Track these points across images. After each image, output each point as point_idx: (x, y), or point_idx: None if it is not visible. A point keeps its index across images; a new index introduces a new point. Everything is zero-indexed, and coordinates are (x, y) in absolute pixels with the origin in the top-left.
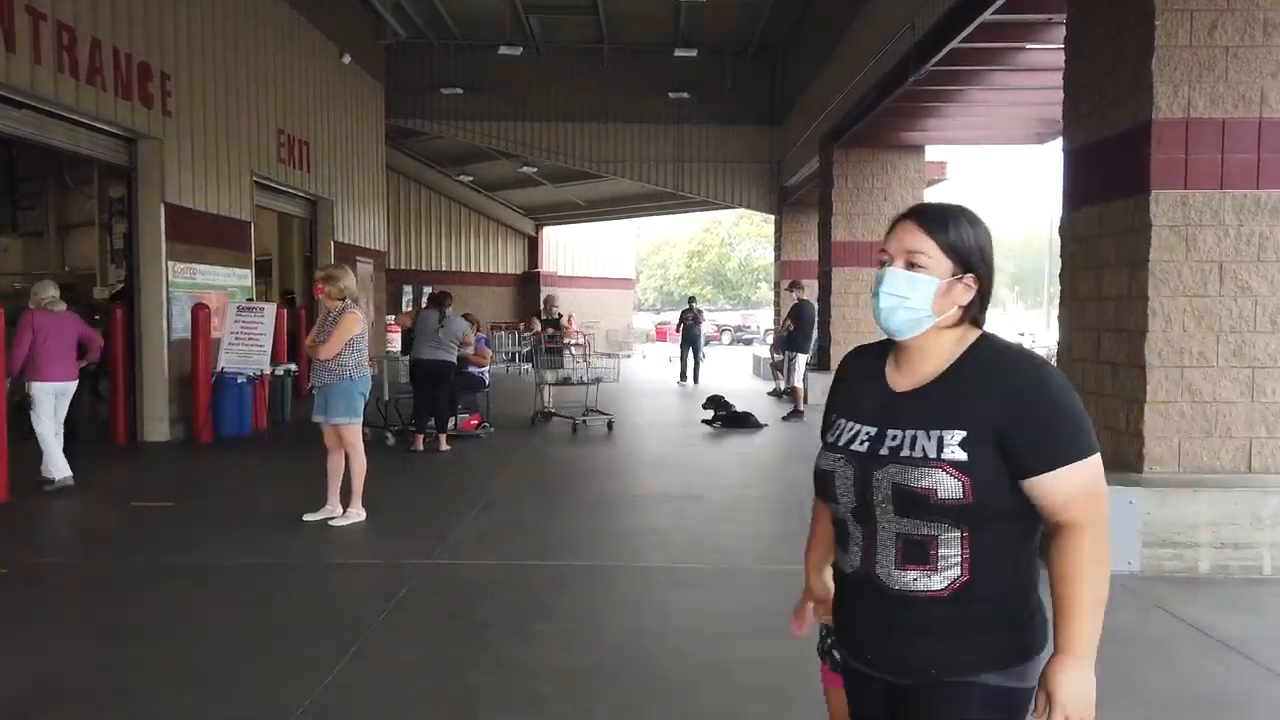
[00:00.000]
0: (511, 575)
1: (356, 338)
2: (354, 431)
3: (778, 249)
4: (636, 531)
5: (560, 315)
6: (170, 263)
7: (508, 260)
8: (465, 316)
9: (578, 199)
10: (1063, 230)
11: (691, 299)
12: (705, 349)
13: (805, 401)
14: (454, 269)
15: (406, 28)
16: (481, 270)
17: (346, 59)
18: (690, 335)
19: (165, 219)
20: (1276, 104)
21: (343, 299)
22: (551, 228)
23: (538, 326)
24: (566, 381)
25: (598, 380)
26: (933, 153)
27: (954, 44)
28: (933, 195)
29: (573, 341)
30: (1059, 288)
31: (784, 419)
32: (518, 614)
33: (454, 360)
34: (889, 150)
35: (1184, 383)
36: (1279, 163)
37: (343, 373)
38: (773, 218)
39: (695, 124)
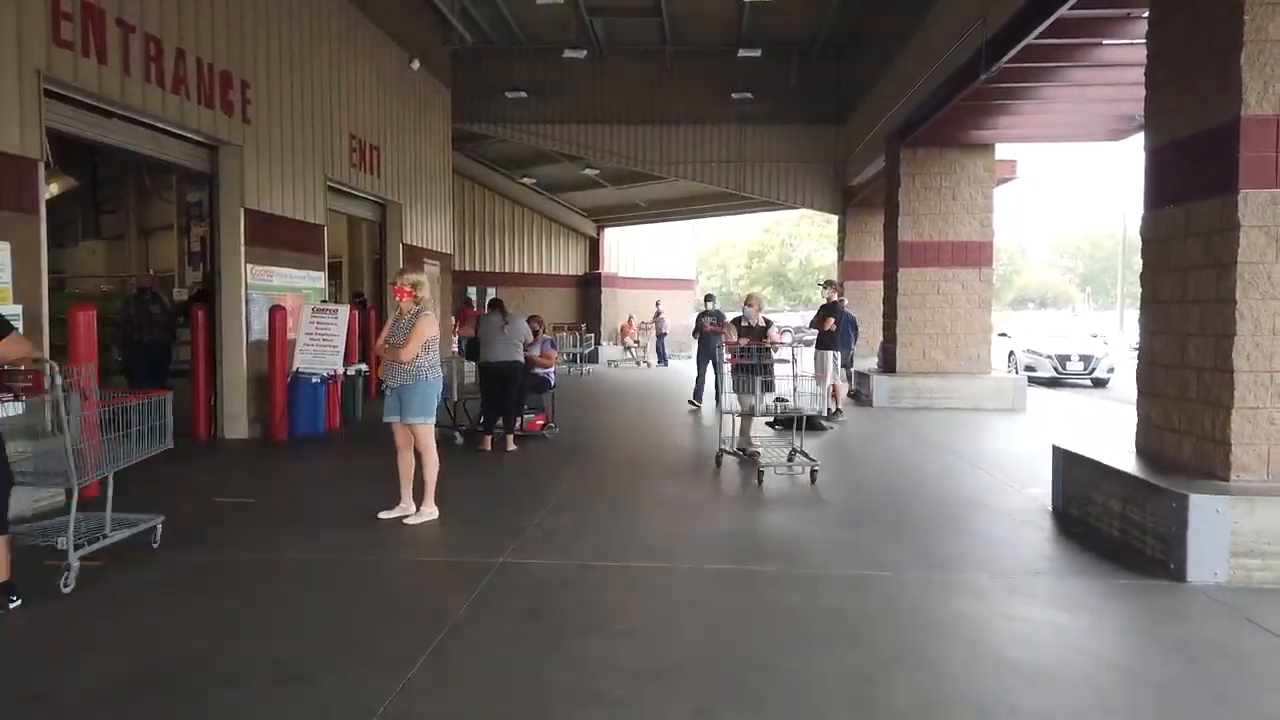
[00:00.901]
0: (584, 575)
1: (432, 340)
2: (428, 431)
3: (841, 249)
4: (704, 533)
5: (769, 322)
6: (249, 265)
7: (569, 261)
8: (531, 319)
9: (639, 200)
10: (1143, 231)
11: (709, 297)
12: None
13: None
14: (516, 270)
15: (472, 32)
16: (543, 271)
17: (415, 64)
18: (709, 345)
19: (244, 223)
20: None
21: (418, 302)
22: (613, 229)
23: (734, 336)
24: (751, 413)
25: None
26: (1002, 151)
27: (1028, 40)
28: (1002, 194)
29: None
30: (1137, 289)
31: (827, 420)
32: (592, 613)
33: (522, 360)
34: (957, 149)
35: (1274, 388)
36: None
37: (419, 374)
38: (835, 218)
39: (758, 124)
